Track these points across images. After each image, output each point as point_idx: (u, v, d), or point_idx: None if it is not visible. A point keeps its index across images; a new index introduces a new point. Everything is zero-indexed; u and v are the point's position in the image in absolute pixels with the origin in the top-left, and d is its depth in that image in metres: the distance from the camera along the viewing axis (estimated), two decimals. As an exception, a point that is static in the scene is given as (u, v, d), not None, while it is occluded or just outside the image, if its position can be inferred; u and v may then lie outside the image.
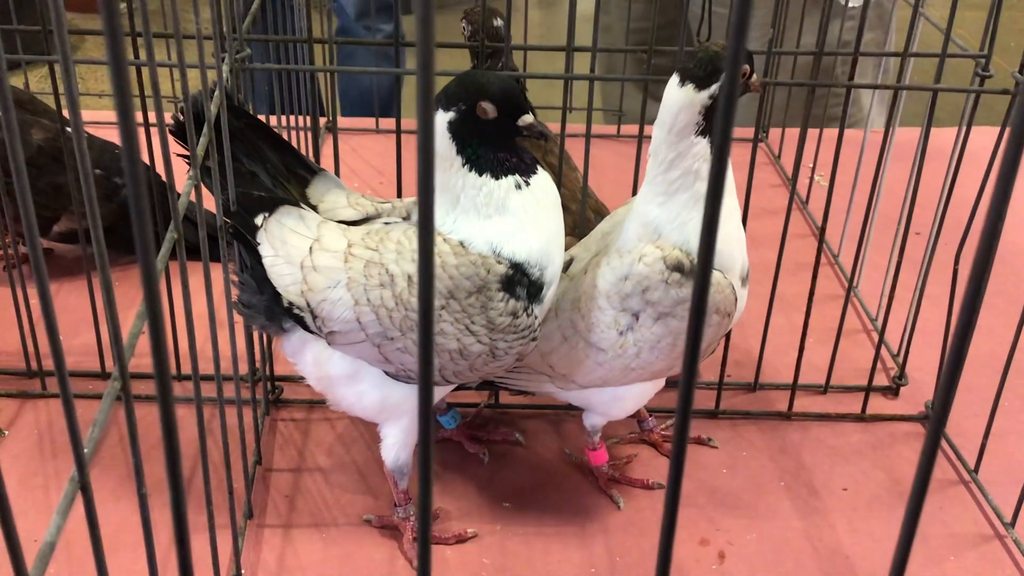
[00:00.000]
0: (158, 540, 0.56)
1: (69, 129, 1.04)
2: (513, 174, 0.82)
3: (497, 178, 0.82)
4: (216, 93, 0.82)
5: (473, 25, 1.15)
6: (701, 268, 0.29)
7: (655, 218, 0.86)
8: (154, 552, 0.57)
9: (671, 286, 0.85)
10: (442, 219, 0.84)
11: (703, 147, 0.84)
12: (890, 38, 1.57)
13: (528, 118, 0.82)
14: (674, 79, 0.83)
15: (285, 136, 1.30)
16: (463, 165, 0.82)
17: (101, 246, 0.48)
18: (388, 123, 1.75)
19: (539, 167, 0.85)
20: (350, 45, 2.43)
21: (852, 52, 0.98)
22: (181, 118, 0.85)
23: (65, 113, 1.03)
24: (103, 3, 0.28)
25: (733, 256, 0.88)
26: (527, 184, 0.83)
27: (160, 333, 0.30)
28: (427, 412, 0.30)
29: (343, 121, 1.75)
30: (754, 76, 0.86)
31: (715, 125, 0.23)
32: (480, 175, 0.82)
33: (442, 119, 0.81)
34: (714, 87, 0.82)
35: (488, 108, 0.80)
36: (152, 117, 0.79)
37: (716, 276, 0.86)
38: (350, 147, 1.65)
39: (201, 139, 0.78)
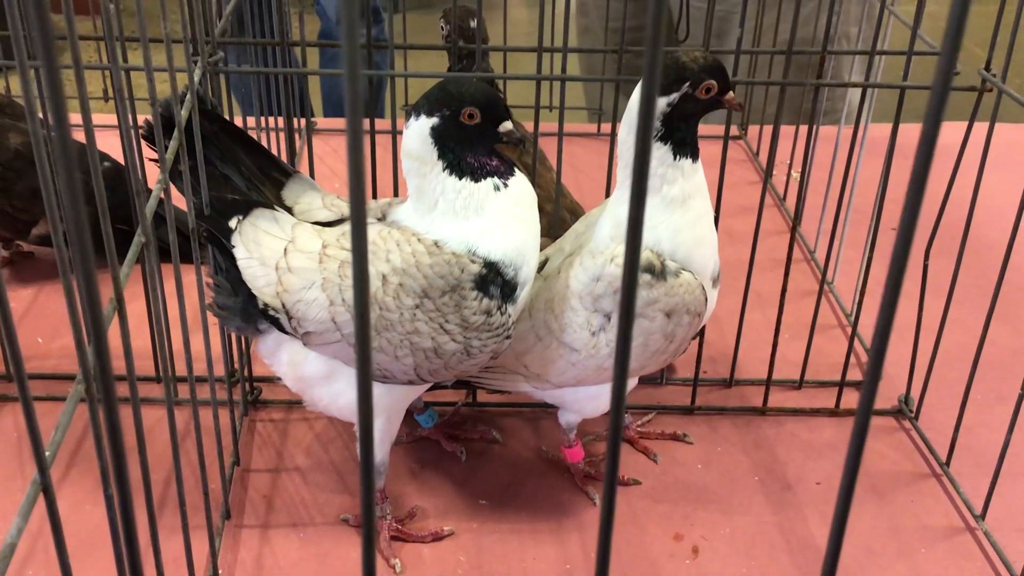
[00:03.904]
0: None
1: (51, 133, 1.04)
2: (492, 176, 0.83)
3: (477, 181, 0.83)
4: (188, 96, 0.83)
5: (450, 25, 1.15)
6: (628, 269, 0.30)
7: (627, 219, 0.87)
8: (123, 554, 0.57)
9: (641, 287, 0.85)
10: (418, 221, 0.85)
11: (664, 152, 0.84)
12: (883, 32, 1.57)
13: (508, 124, 0.83)
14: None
15: (265, 137, 1.31)
16: (443, 170, 0.83)
17: (62, 252, 0.48)
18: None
19: (516, 169, 0.86)
20: (333, 48, 2.44)
21: (820, 51, 0.99)
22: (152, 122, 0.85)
23: (46, 117, 1.03)
24: (34, 7, 0.29)
25: (705, 258, 0.89)
26: (505, 186, 0.84)
27: (101, 332, 0.30)
28: (366, 406, 0.31)
29: (325, 122, 1.76)
30: (729, 93, 0.86)
31: (636, 139, 0.24)
32: (460, 179, 0.83)
33: (424, 124, 0.82)
34: (674, 95, 0.82)
35: (473, 114, 0.81)
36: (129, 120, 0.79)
37: (687, 277, 0.86)
38: (331, 148, 1.66)
39: (172, 143, 0.78)
